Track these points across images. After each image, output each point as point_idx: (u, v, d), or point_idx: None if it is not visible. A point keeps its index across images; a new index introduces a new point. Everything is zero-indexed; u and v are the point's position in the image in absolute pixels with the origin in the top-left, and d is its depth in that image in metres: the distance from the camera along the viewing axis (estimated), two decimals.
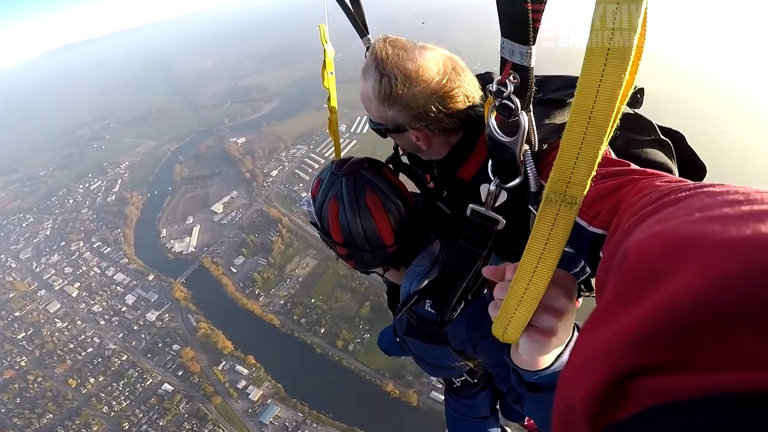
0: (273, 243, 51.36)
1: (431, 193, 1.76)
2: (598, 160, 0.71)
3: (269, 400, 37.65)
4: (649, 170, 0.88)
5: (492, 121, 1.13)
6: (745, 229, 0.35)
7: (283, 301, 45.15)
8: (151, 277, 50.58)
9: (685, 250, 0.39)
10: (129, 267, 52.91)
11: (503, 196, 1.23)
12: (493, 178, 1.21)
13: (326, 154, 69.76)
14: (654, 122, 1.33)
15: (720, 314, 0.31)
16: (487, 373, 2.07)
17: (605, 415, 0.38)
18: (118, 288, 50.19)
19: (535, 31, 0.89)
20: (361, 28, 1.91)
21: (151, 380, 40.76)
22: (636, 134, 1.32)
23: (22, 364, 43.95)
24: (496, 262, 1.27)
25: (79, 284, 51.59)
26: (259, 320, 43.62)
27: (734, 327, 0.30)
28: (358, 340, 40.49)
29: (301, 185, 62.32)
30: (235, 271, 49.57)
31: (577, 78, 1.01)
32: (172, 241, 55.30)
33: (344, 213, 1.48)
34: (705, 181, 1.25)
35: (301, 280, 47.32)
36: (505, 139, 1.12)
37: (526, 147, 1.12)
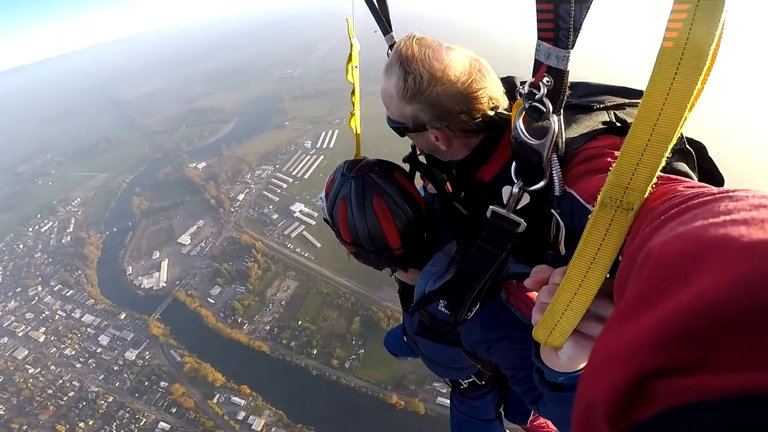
0: (249, 269, 51.54)
1: (448, 194, 1.82)
2: (660, 167, 0.70)
3: (273, 429, 37.77)
4: (672, 176, 0.87)
5: (520, 123, 1.17)
6: None
7: (269, 327, 45.43)
8: (123, 316, 49.72)
9: (708, 251, 0.40)
10: (97, 307, 51.70)
11: (525, 199, 1.27)
12: (516, 181, 1.25)
13: (293, 173, 70.92)
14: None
15: (744, 315, 0.32)
16: (495, 375, 2.10)
17: (626, 415, 0.39)
18: (89, 329, 49.07)
19: (575, 35, 0.93)
20: (385, 25, 1.94)
21: (144, 420, 39.97)
22: None
23: (1, 412, 42.24)
24: (513, 266, 1.47)
25: (44, 329, 49.85)
26: (247, 348, 43.67)
27: (758, 328, 0.31)
28: (354, 357, 41.13)
29: (271, 207, 62.94)
30: (212, 301, 49.45)
31: (603, 86, 1.27)
32: (140, 277, 54.38)
33: (352, 215, 1.53)
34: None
35: (284, 304, 47.76)
36: (532, 141, 1.15)
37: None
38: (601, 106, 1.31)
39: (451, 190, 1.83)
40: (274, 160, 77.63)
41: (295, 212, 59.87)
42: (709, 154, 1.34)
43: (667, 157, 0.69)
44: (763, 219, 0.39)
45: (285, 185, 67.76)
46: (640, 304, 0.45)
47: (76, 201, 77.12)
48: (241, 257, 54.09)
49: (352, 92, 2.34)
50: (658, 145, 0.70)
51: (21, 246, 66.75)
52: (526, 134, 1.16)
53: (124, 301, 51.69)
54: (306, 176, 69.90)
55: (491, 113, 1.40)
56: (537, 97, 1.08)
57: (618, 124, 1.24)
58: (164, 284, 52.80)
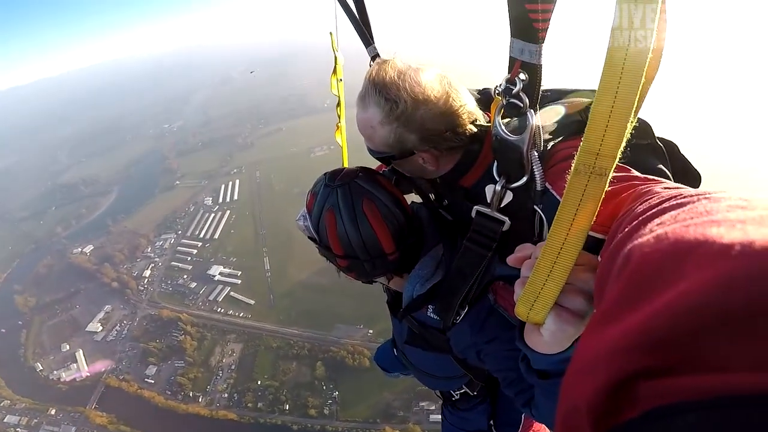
0: (182, 343, 50.40)
1: (433, 202, 1.88)
2: (627, 132, 0.75)
3: None
4: (650, 177, 0.95)
5: (499, 121, 1.24)
6: (750, 231, 0.37)
7: (227, 394, 44.73)
8: (53, 411, 46.77)
9: (689, 252, 0.41)
10: (17, 407, 48.07)
11: (508, 197, 1.34)
12: (498, 179, 1.32)
13: (200, 235, 70.22)
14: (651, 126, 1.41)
15: (725, 316, 0.33)
16: (486, 387, 2.09)
17: (609, 417, 0.40)
18: (19, 429, 46.26)
19: (545, 30, 1.01)
20: (367, 37, 1.96)
21: None
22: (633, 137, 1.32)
23: None
24: (500, 268, 1.51)
25: None
26: (211, 420, 42.71)
27: (740, 328, 0.32)
28: (330, 401, 41.50)
29: (185, 276, 61.76)
30: (152, 381, 47.73)
31: (572, 89, 1.44)
32: (55, 372, 50.86)
33: (342, 224, 1.53)
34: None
35: (234, 368, 47.37)
36: (512, 137, 1.23)
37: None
38: (572, 106, 1.42)
39: (435, 198, 1.88)
40: (174, 226, 75.57)
41: (214, 276, 59.63)
42: (682, 152, 1.44)
43: (632, 131, 0.75)
44: (741, 220, 0.40)
45: (195, 251, 66.69)
46: (622, 305, 0.46)
47: None
48: (168, 333, 52.51)
49: (338, 104, 2.41)
50: (622, 111, 0.74)
51: None
52: (506, 131, 1.24)
53: (47, 397, 48.59)
54: (216, 236, 69.72)
55: (472, 127, 1.47)
56: (513, 92, 1.17)
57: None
58: (87, 374, 50.02)
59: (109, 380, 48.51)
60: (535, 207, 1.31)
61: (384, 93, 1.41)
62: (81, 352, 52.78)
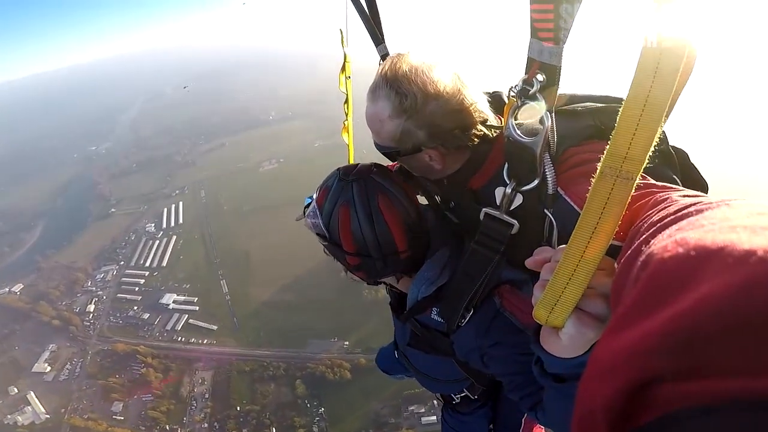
0: (145, 375, 48.53)
1: (439, 204, 1.88)
2: (656, 137, 0.75)
3: None
4: (668, 185, 0.96)
5: (512, 122, 1.24)
6: None
7: (206, 424, 43.42)
8: None
9: (708, 257, 0.42)
10: None
11: (518, 200, 1.35)
12: (508, 182, 1.33)
13: (146, 264, 67.35)
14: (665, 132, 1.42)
15: (745, 320, 0.33)
16: (488, 391, 2.09)
17: (627, 421, 0.41)
18: None
19: (566, 31, 1.02)
20: (377, 34, 1.99)
21: None
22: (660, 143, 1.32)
23: None
24: (506, 272, 1.54)
25: None
26: None
27: (758, 334, 0.32)
28: (318, 418, 41.24)
29: (136, 308, 59.08)
30: (122, 418, 45.81)
31: (586, 95, 1.44)
32: (9, 416, 47.43)
33: (357, 220, 1.53)
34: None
35: (208, 396, 46.12)
36: (525, 139, 1.23)
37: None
38: (586, 110, 1.41)
39: (441, 200, 1.87)
40: (114, 257, 71.76)
41: (168, 305, 57.57)
42: (691, 160, 1.46)
43: (656, 147, 0.74)
44: (761, 226, 0.41)
45: (142, 280, 63.88)
46: (640, 309, 0.47)
47: None
48: (127, 366, 50.29)
49: (345, 102, 2.43)
50: (652, 115, 0.74)
51: None
52: (519, 133, 1.24)
53: None
54: (164, 263, 67.08)
55: (482, 127, 1.47)
56: (530, 93, 1.17)
57: (602, 127, 1.34)
58: (46, 416, 47.19)
59: (72, 420, 46.02)
60: (546, 211, 1.35)
61: (395, 86, 1.42)
62: (32, 393, 49.72)
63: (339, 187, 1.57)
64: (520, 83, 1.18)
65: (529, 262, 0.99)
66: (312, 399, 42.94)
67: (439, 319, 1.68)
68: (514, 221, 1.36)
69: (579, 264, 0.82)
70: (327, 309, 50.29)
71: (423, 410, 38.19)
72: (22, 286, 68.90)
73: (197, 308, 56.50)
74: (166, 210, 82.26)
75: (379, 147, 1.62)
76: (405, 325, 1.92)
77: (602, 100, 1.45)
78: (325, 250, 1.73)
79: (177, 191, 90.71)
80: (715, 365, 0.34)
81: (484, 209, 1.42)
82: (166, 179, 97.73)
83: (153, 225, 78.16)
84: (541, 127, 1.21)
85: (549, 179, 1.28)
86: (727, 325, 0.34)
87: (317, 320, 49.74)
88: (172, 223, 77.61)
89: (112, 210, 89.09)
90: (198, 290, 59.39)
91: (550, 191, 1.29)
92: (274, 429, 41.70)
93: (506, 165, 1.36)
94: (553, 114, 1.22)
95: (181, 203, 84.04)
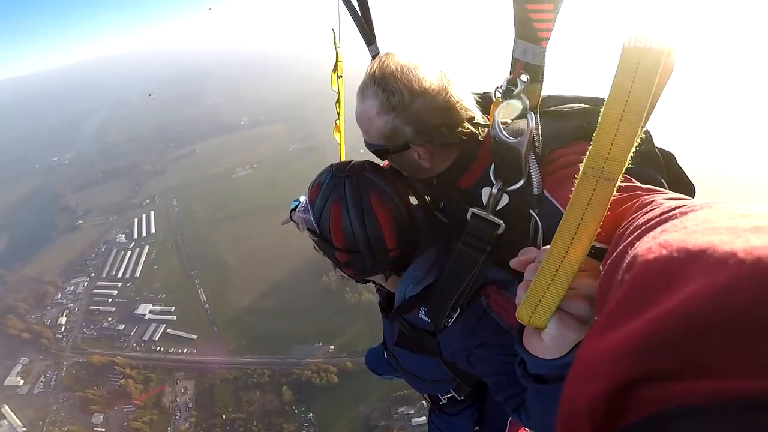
0: (124, 386, 47.91)
1: (428, 204, 1.88)
2: (637, 137, 0.75)
3: None
4: (653, 187, 0.97)
5: (498, 122, 1.24)
6: (753, 239, 0.39)
7: None
8: None
9: (692, 259, 0.42)
10: None
11: (504, 200, 1.36)
12: (495, 182, 1.35)
13: (119, 275, 66.25)
14: (651, 134, 1.43)
15: (729, 320, 0.34)
16: (474, 392, 2.09)
17: (611, 422, 0.41)
18: None
19: (549, 32, 1.03)
20: (368, 35, 2.00)
21: None
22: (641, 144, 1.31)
23: None
24: (493, 272, 1.54)
25: None
26: None
27: (744, 333, 0.33)
28: (306, 424, 41.10)
29: (110, 319, 58.06)
30: (102, 430, 45.22)
31: (575, 96, 1.44)
32: None
33: (348, 216, 1.53)
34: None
35: (192, 406, 45.70)
36: (510, 139, 1.23)
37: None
38: (572, 112, 1.42)
39: (431, 200, 1.87)
40: (84, 269, 70.08)
41: (144, 315, 56.93)
42: (678, 163, 1.49)
43: (638, 148, 0.73)
44: (744, 228, 0.42)
45: (115, 291, 62.81)
46: (624, 310, 0.47)
47: None
48: (105, 378, 49.84)
49: (337, 101, 2.42)
50: (632, 117, 0.74)
51: None
52: (505, 133, 1.24)
53: None
54: (137, 274, 66.11)
55: (468, 125, 1.47)
56: (514, 93, 1.18)
57: (589, 128, 1.32)
58: (24, 429, 46.25)
59: None
60: (531, 212, 1.35)
61: (382, 84, 1.44)
62: (6, 407, 48.51)
63: (331, 183, 1.58)
64: (505, 83, 1.22)
65: (513, 263, 0.99)
66: (299, 405, 42.85)
67: (427, 319, 1.67)
68: (500, 221, 1.38)
69: (561, 265, 0.82)
70: (309, 314, 50.46)
71: (413, 411, 38.51)
72: None
73: (175, 317, 55.95)
74: (137, 220, 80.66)
75: (369, 145, 1.65)
76: (393, 325, 1.92)
77: (590, 101, 1.49)
78: (315, 246, 1.74)
79: (147, 200, 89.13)
80: (700, 365, 0.34)
81: (470, 209, 1.44)
82: (135, 188, 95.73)
83: (124, 235, 76.54)
84: (526, 127, 1.24)
85: (534, 180, 1.32)
86: (710, 325, 0.35)
87: (300, 325, 49.84)
88: (144, 233, 76.28)
89: (80, 222, 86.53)
90: (175, 299, 58.82)
91: (535, 191, 1.32)
92: None
93: (492, 165, 1.41)
94: (538, 114, 1.26)
95: (152, 212, 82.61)
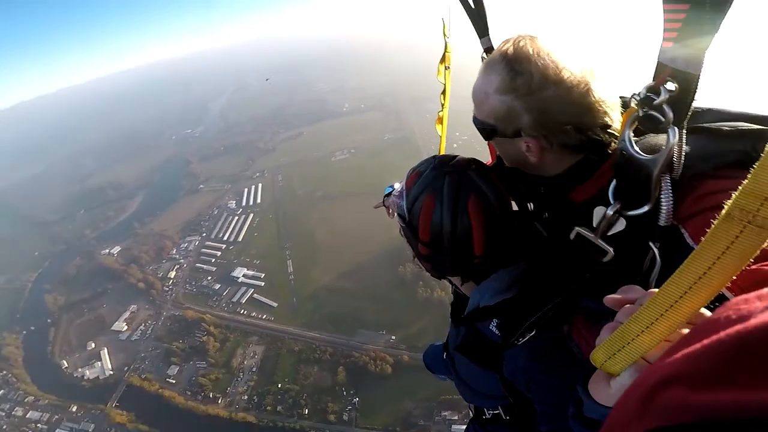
0: (205, 343, 51.24)
1: (530, 213, 1.72)
2: None
3: None
4: None
5: (629, 134, 1.09)
6: None
7: (246, 396, 45.16)
8: (74, 408, 48.31)
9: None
10: (40, 403, 50.01)
11: (620, 225, 1.17)
12: (612, 202, 1.16)
13: (224, 238, 71.83)
14: None
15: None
16: (522, 414, 1.89)
17: (642, 421, 0.40)
18: (40, 425, 47.82)
19: (709, 38, 0.88)
20: (482, 27, 1.91)
21: None
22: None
23: None
24: (585, 300, 1.34)
25: None
26: (229, 422, 43.03)
27: None
28: (350, 407, 41.44)
29: (210, 278, 63.20)
30: (173, 381, 48.68)
31: (739, 112, 1.16)
32: (80, 369, 52.55)
33: (440, 213, 1.47)
34: None
35: (255, 370, 47.86)
36: (642, 156, 1.06)
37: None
38: (735, 131, 1.12)
39: (533, 210, 1.71)
40: (198, 228, 77.26)
41: (238, 278, 60.85)
42: None
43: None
44: None
45: (219, 252, 68.17)
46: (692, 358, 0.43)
47: None
48: (191, 333, 53.72)
49: (443, 92, 2.34)
50: None
51: None
52: (636, 148, 1.08)
53: (69, 394, 50.05)
54: (240, 239, 71.13)
55: (601, 132, 1.28)
56: (655, 103, 1.00)
57: (754, 155, 1.02)
58: (110, 372, 51.60)
59: (131, 379, 49.95)
60: (651, 244, 1.13)
61: (512, 63, 1.31)
62: (106, 350, 54.55)
63: (431, 175, 1.52)
64: (644, 90, 1.03)
65: (608, 300, 0.86)
66: (349, 387, 43.24)
67: (497, 332, 1.58)
68: (609, 249, 1.19)
69: (664, 315, 0.67)
70: (380, 301, 50.12)
71: (456, 418, 36.68)
72: (119, 249, 76.53)
73: (263, 284, 58.93)
74: (246, 190, 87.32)
75: (476, 121, 1.48)
76: (460, 328, 1.85)
77: (761, 120, 1.13)
78: (401, 231, 1.69)
79: (257, 174, 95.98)
80: (737, 377, 0.33)
81: (576, 228, 1.26)
82: (249, 162, 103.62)
83: (234, 202, 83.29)
84: (664, 144, 1.03)
85: (663, 207, 1.07)
86: (748, 339, 0.34)
87: (369, 311, 49.70)
88: (251, 202, 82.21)
89: (201, 186, 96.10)
90: (266, 267, 62.08)
91: (662, 222, 1.08)
92: (306, 410, 42.42)
93: (614, 182, 1.18)
94: (683, 131, 1.03)
95: (260, 185, 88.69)
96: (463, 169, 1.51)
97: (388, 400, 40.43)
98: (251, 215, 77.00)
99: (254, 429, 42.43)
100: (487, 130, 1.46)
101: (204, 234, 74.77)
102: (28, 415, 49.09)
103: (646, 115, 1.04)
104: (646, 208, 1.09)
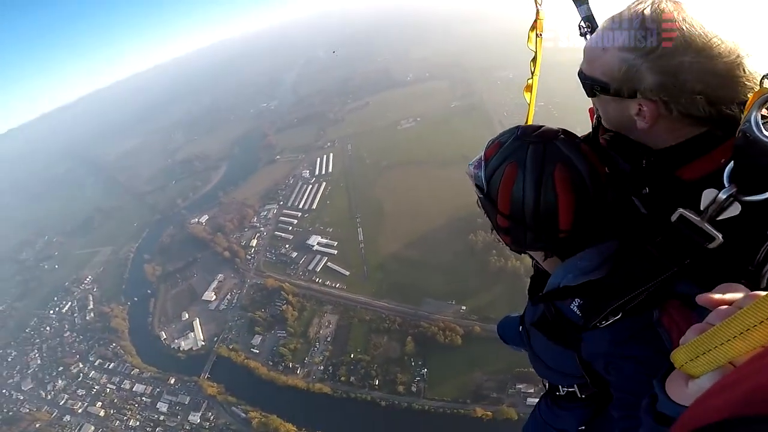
0: (284, 312, 52.48)
1: (628, 186, 1.55)
2: None
3: None
4: None
5: (755, 115, 0.99)
6: None
7: (322, 367, 46.01)
8: (172, 381, 51.31)
9: None
10: (144, 376, 53.51)
11: (734, 210, 1.07)
12: (727, 185, 1.06)
13: (300, 206, 74.56)
14: None
15: None
16: (597, 394, 1.86)
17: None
18: (144, 398, 50.75)
19: None
20: None
21: None
22: None
23: None
24: (680, 285, 1.23)
25: (100, 403, 51.73)
26: (307, 393, 43.94)
27: None
28: (418, 378, 41.15)
29: (287, 246, 65.88)
30: (257, 351, 50.41)
31: None
32: (176, 341, 56.16)
33: (522, 183, 1.40)
34: None
35: (330, 340, 48.69)
36: None
37: None
38: None
39: (633, 183, 1.55)
40: (276, 197, 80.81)
41: (313, 246, 62.85)
42: None
43: None
44: None
45: (295, 221, 70.88)
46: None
47: (88, 279, 78.56)
48: (272, 302, 55.48)
49: (533, 59, 2.23)
50: None
51: (48, 328, 68.14)
52: (763, 129, 0.98)
53: (168, 366, 52.98)
54: (314, 206, 73.51)
55: (735, 108, 1.19)
56: None
57: None
58: (202, 343, 54.41)
59: (220, 350, 51.48)
60: None
61: (645, 22, 1.20)
62: (198, 321, 56.93)
63: (514, 145, 1.46)
64: None
65: (701, 299, 0.81)
66: (418, 358, 42.87)
67: (578, 312, 1.48)
68: (718, 235, 1.10)
69: (764, 322, 0.59)
70: (448, 271, 49.30)
71: (531, 391, 35.23)
72: (207, 218, 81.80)
73: (336, 252, 60.41)
74: (318, 159, 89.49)
75: (583, 76, 1.41)
76: (538, 305, 1.77)
77: None
78: (479, 202, 1.64)
79: (328, 144, 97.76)
80: None
81: (679, 210, 1.17)
82: (320, 133, 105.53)
83: (308, 172, 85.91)
84: None
85: None
86: None
87: (437, 281, 48.98)
88: (323, 172, 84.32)
89: (277, 157, 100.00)
90: (338, 235, 63.61)
91: None
92: (377, 381, 42.45)
93: (731, 164, 1.08)
94: None
95: (331, 155, 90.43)
96: (549, 138, 1.43)
97: (458, 372, 39.97)
98: (323, 184, 78.98)
99: (329, 401, 42.90)
100: (595, 87, 1.38)
101: (281, 202, 77.89)
102: (134, 388, 51.64)
103: None
104: (767, 195, 1.02)
